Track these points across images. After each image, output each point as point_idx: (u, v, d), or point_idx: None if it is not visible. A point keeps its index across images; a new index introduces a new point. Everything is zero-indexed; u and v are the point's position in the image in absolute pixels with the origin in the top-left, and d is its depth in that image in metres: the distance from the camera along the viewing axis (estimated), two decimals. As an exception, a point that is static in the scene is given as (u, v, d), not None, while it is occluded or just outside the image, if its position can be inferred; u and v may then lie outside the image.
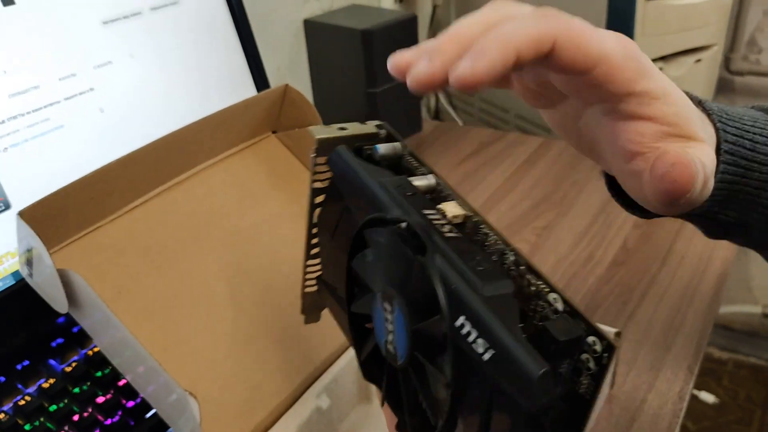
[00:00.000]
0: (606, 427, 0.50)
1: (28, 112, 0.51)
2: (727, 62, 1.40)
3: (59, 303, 0.41)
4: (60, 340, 0.53)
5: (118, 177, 0.44)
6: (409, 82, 0.27)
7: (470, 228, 0.27)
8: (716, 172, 0.31)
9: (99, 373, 0.51)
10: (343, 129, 0.33)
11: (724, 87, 1.42)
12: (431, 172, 0.30)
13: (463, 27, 0.27)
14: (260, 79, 0.69)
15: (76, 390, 0.49)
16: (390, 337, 0.27)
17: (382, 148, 0.32)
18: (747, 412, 1.54)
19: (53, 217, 0.41)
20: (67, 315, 0.54)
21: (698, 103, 0.32)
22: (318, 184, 0.34)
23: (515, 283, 0.24)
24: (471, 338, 0.22)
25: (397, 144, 0.32)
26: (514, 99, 1.08)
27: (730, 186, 0.32)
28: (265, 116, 0.55)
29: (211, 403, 0.42)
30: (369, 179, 0.29)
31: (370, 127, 0.33)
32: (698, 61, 0.91)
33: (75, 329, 0.55)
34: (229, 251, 0.49)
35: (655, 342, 0.58)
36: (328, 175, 0.33)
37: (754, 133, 0.32)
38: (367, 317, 0.30)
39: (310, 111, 0.55)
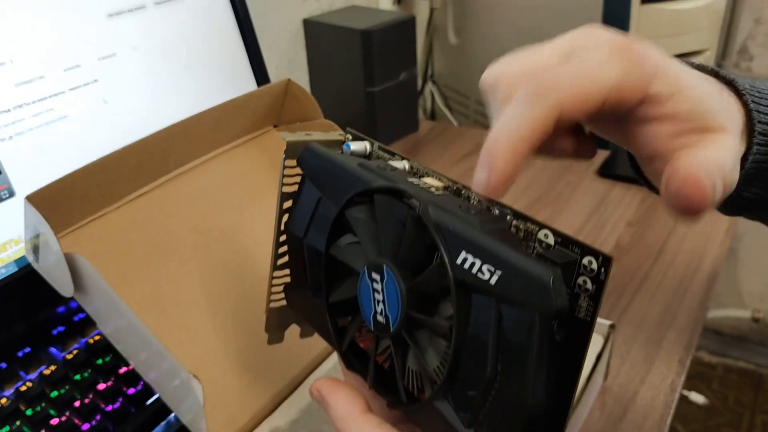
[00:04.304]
0: (599, 418, 0.51)
1: (33, 102, 0.51)
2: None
3: (65, 287, 0.41)
4: (61, 328, 0.54)
5: (124, 165, 0.45)
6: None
7: (452, 193, 0.29)
8: (749, 154, 0.30)
9: (100, 361, 0.51)
10: (309, 134, 0.34)
11: (715, 93, 1.44)
12: (405, 158, 0.31)
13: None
14: (261, 75, 0.70)
15: (77, 377, 0.50)
16: (380, 308, 0.27)
17: (353, 145, 0.33)
18: (736, 415, 1.56)
19: (60, 203, 0.41)
20: (68, 304, 0.55)
21: (729, 82, 0.31)
22: (286, 188, 0.35)
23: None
24: (475, 269, 0.23)
25: (365, 142, 0.34)
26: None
27: (758, 165, 0.31)
28: (267, 110, 0.56)
29: (214, 388, 0.43)
30: (347, 163, 0.30)
31: (335, 134, 0.35)
32: (691, 65, 0.92)
33: (76, 318, 0.55)
34: (231, 241, 0.50)
35: (648, 336, 0.59)
36: (297, 179, 0.34)
37: None
38: (343, 311, 0.31)
39: (311, 105, 0.56)
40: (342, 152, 0.33)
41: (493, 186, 0.25)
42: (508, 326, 0.23)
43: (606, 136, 0.32)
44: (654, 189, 0.35)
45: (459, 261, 0.24)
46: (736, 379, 1.66)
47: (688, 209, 0.26)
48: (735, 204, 0.35)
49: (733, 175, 0.28)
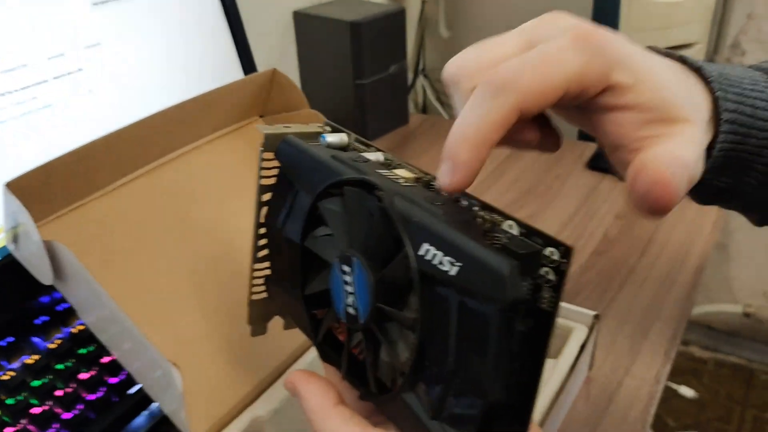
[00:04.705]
0: (584, 408, 0.51)
1: (16, 90, 0.51)
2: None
3: (44, 274, 0.41)
4: (44, 318, 0.54)
5: (106, 153, 0.45)
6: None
7: (423, 185, 0.29)
8: (716, 142, 0.30)
9: (83, 351, 0.51)
10: (288, 127, 0.34)
11: (707, 88, 1.44)
12: (380, 150, 0.31)
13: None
14: (249, 67, 0.70)
15: (60, 366, 0.50)
16: (350, 300, 0.27)
17: (329, 137, 0.33)
18: (727, 409, 1.56)
19: (40, 190, 0.41)
20: (52, 294, 0.55)
21: (696, 69, 0.31)
22: (265, 181, 0.35)
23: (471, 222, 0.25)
24: (436, 260, 0.23)
25: (343, 134, 0.33)
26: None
27: (726, 153, 0.31)
28: (252, 100, 0.56)
29: (195, 377, 0.43)
30: (321, 155, 0.30)
31: (314, 126, 0.35)
32: (681, 58, 0.92)
33: (59, 308, 0.55)
34: (215, 231, 0.50)
35: (634, 328, 0.59)
36: (275, 171, 0.34)
37: (755, 98, 0.31)
38: (319, 302, 0.31)
39: (297, 95, 0.56)
40: (319, 144, 0.33)
41: (456, 182, 0.25)
42: (469, 318, 0.23)
43: (572, 123, 0.32)
44: (622, 178, 0.35)
45: (421, 252, 0.24)
46: (727, 373, 1.67)
47: (656, 210, 0.26)
48: (707, 193, 0.35)
49: (697, 168, 0.28)
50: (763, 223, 0.38)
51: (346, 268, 0.27)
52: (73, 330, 0.53)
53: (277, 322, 0.41)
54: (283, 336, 0.45)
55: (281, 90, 0.55)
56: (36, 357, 0.50)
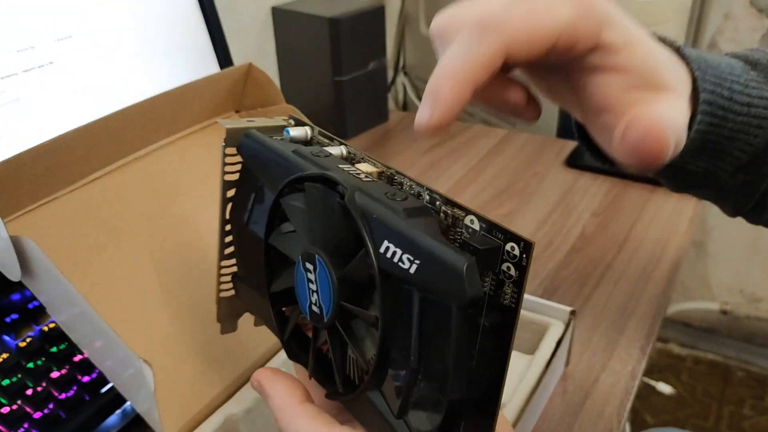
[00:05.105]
0: (560, 404, 0.51)
1: (-16, 83, 0.50)
2: (688, 63, 1.43)
3: (11, 270, 0.40)
4: (14, 316, 0.53)
5: (77, 147, 0.44)
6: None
7: (386, 179, 0.28)
8: (693, 123, 0.30)
9: (54, 349, 0.50)
10: (251, 121, 0.34)
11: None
12: (343, 143, 0.31)
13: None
14: (225, 61, 0.69)
15: (30, 365, 0.49)
16: (314, 298, 0.27)
17: (293, 131, 0.33)
18: (704, 405, 1.58)
19: (7, 185, 0.40)
20: (23, 291, 0.54)
21: (676, 49, 0.31)
22: (229, 177, 0.34)
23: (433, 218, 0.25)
24: (396, 258, 0.23)
25: (306, 127, 0.33)
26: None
27: (704, 136, 0.31)
28: (227, 95, 0.55)
29: (168, 375, 0.42)
30: (283, 150, 0.30)
31: (279, 120, 0.34)
32: (658, 57, 0.93)
33: (30, 305, 0.54)
34: (187, 228, 0.49)
35: (610, 324, 0.59)
36: (238, 167, 0.34)
37: (732, 81, 0.31)
38: (285, 300, 0.31)
39: (273, 90, 0.55)
40: (282, 138, 0.33)
41: (435, 119, 0.25)
42: (430, 316, 0.23)
43: (553, 96, 0.32)
44: (594, 152, 0.35)
45: (382, 250, 0.23)
46: (704, 370, 1.68)
47: (646, 161, 0.26)
48: (682, 179, 0.35)
49: (683, 134, 0.28)
50: (736, 213, 0.38)
51: (310, 266, 0.27)
52: (44, 328, 0.52)
53: (249, 321, 0.40)
54: (257, 334, 0.44)
55: (257, 85, 0.55)
56: (5, 355, 0.49)
